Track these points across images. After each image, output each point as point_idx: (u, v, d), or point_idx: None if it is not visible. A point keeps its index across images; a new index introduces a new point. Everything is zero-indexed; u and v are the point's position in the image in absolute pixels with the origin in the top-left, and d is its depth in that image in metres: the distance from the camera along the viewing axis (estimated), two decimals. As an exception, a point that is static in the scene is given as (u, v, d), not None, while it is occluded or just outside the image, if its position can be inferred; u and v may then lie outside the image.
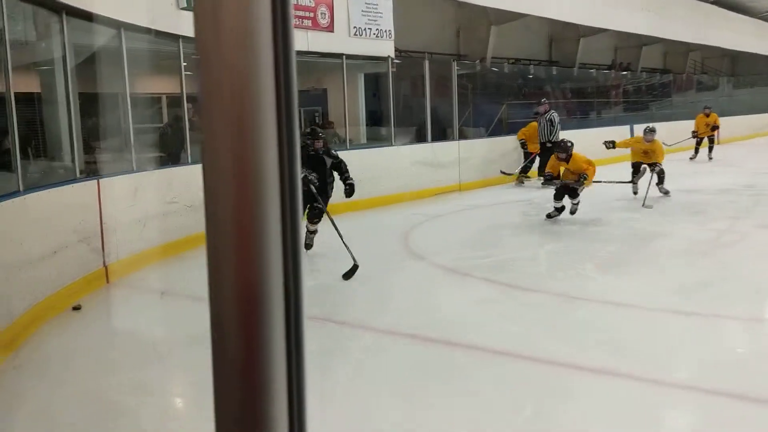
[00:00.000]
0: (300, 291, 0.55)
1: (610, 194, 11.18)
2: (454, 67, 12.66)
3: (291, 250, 0.54)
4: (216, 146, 0.54)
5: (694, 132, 16.80)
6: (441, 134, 12.44)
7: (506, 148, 13.44)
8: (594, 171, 8.86)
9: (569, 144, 8.97)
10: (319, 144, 7.21)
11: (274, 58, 0.54)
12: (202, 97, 0.56)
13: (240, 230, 0.53)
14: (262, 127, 0.53)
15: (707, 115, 16.95)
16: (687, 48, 24.94)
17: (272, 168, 0.52)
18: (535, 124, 12.97)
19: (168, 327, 5.15)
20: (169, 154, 8.91)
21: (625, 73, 21.05)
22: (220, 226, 0.54)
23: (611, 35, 20.50)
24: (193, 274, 6.08)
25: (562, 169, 9.23)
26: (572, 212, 9.09)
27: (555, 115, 12.56)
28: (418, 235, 8.64)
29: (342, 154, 10.45)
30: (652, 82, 21.49)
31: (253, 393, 0.54)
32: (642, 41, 22.20)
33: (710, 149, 16.98)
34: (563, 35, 19.67)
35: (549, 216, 8.98)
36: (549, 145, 11.98)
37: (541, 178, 11.57)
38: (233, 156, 0.53)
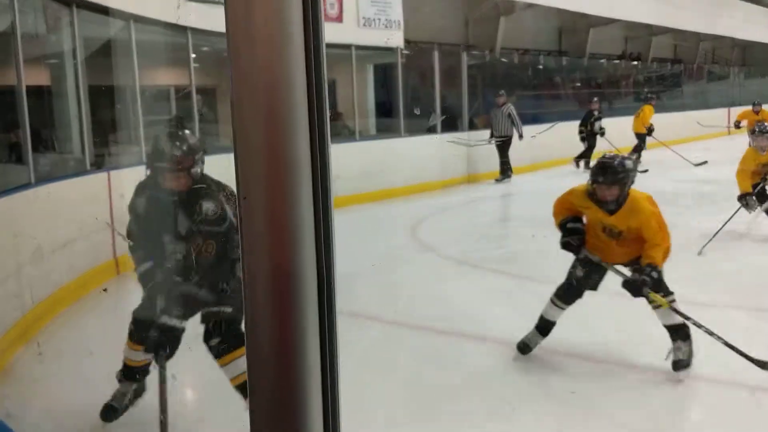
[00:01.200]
0: (332, 278, 0.54)
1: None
2: (464, 57, 12.61)
3: (324, 237, 0.53)
4: (248, 137, 0.53)
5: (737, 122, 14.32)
6: (451, 124, 12.41)
7: (515, 139, 13.38)
8: (667, 250, 4.25)
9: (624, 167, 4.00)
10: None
11: (305, 51, 0.53)
12: (234, 89, 0.55)
13: (273, 218, 0.52)
14: (295, 117, 0.52)
15: (757, 113, 13.60)
16: (697, 38, 24.75)
17: (305, 157, 0.51)
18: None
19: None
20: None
21: (635, 63, 20.93)
22: (254, 216, 0.53)
23: (621, 25, 20.36)
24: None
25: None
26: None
27: (513, 109, 12.08)
28: (427, 227, 8.62)
29: (351, 146, 10.53)
30: (662, 73, 21.36)
31: (287, 383, 0.53)
32: (652, 31, 22.04)
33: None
34: (573, 25, 19.55)
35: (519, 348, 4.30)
36: (509, 140, 11.92)
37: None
38: (266, 147, 0.52)
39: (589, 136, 13.49)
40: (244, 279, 0.55)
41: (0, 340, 4.24)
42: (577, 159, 13.56)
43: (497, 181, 12.01)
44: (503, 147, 11.98)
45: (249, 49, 0.54)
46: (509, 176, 12.03)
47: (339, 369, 0.56)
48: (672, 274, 5.89)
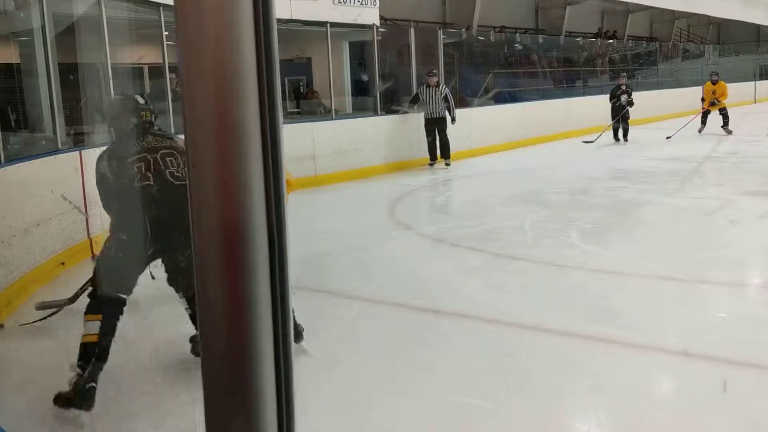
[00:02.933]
0: (283, 232, 0.54)
1: (597, 164, 11.24)
2: (440, 35, 12.57)
3: (274, 193, 0.53)
4: (197, 100, 0.52)
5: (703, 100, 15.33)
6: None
7: (493, 118, 13.40)
8: None
9: None
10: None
11: (254, 26, 0.53)
12: (182, 58, 0.54)
13: (222, 184, 0.52)
14: (243, 81, 0.51)
15: (714, 83, 15.21)
16: (673, 16, 24.89)
17: (254, 121, 0.51)
18: None
19: (151, 291, 5.10)
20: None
21: (611, 41, 21.00)
22: (202, 182, 0.53)
23: (598, 2, 20.41)
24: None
25: None
26: None
27: (448, 91, 11.35)
28: (405, 206, 8.64)
29: (328, 125, 10.49)
30: (638, 51, 21.46)
31: (239, 338, 0.54)
32: (629, 8, 22.13)
33: (725, 122, 15.14)
34: (550, 2, 19.57)
35: None
36: (446, 122, 11.17)
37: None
38: (214, 114, 0.52)
39: (619, 108, 14.22)
40: (194, 244, 0.54)
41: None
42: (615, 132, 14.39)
43: (430, 165, 11.40)
44: (443, 131, 11.23)
45: (197, 19, 0.54)
46: (436, 160, 11.38)
47: (291, 327, 0.56)
48: (645, 249, 6.00)
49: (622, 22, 22.91)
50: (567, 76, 17.73)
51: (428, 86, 11.16)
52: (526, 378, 3.63)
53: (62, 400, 3.24)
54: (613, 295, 4.89)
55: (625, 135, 14.29)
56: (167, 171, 3.46)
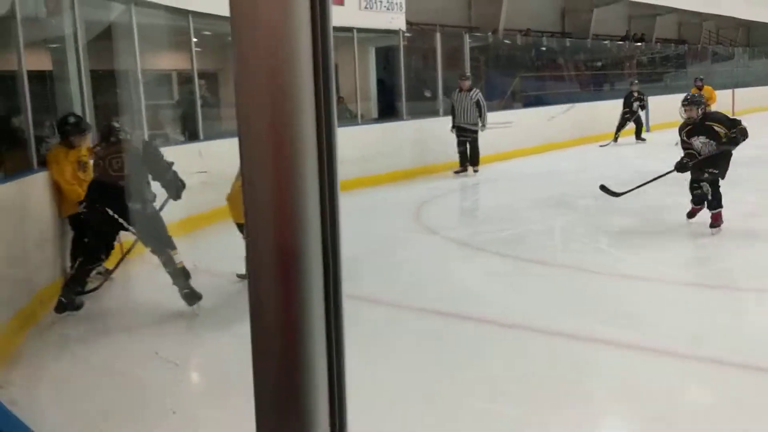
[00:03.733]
0: (338, 260, 0.55)
1: (627, 168, 11.12)
2: (466, 39, 12.54)
3: (330, 219, 0.53)
4: (251, 111, 0.53)
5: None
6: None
7: (520, 122, 13.33)
8: None
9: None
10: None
11: (311, 34, 0.53)
12: (237, 74, 0.55)
13: (278, 202, 0.52)
14: (300, 100, 0.52)
15: (699, 89, 14.30)
16: (701, 18, 24.57)
17: (310, 140, 0.51)
18: None
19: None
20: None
21: (639, 44, 20.79)
22: (257, 200, 0.54)
23: (625, 5, 20.22)
24: (214, 249, 6.11)
25: None
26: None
27: (481, 96, 10.94)
28: (431, 210, 8.62)
29: (353, 130, 10.49)
30: (666, 54, 21.22)
31: (292, 360, 0.54)
32: (656, 11, 21.87)
33: None
34: (576, 5, 19.42)
35: None
36: (478, 129, 10.82)
37: None
38: (270, 120, 0.52)
39: (631, 114, 14.33)
40: (249, 261, 0.55)
41: (8, 323, 4.26)
42: (637, 136, 14.56)
43: (456, 173, 11.06)
44: (474, 138, 10.94)
45: (251, 33, 0.54)
46: (466, 169, 11.05)
47: (344, 350, 0.57)
48: (673, 255, 5.93)
49: (649, 25, 22.66)
50: (594, 79, 17.60)
51: (460, 90, 10.83)
52: (553, 385, 3.61)
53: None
54: (641, 301, 4.85)
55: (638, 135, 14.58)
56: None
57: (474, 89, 10.93)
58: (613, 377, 3.66)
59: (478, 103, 10.77)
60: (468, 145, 10.94)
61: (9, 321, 4.30)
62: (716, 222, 6.42)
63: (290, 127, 0.53)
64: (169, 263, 4.80)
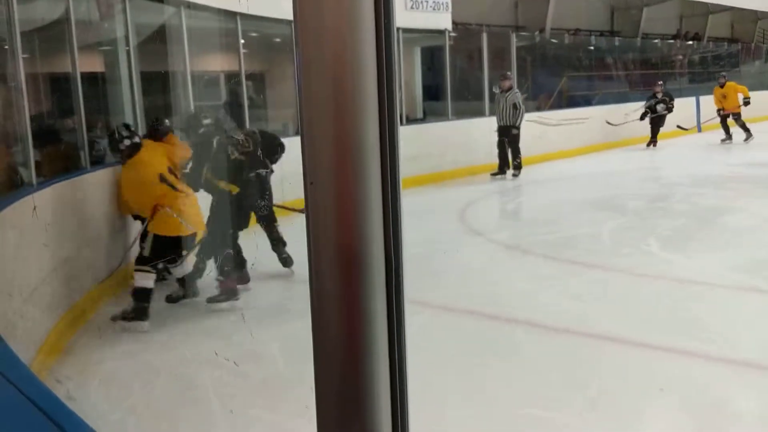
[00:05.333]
0: (400, 263, 0.53)
1: (676, 169, 10.90)
2: (513, 39, 12.43)
3: (392, 221, 0.51)
4: (315, 115, 0.51)
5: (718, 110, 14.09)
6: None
7: (569, 121, 13.16)
8: None
9: None
10: None
11: (375, 35, 0.52)
12: (302, 76, 0.54)
13: (340, 204, 0.51)
14: (363, 102, 0.50)
15: (722, 86, 14.02)
16: (755, 16, 23.93)
17: (373, 142, 0.50)
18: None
19: (242, 300, 5.20)
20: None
21: (690, 43, 20.34)
22: (320, 201, 0.52)
23: (676, 3, 19.83)
24: (260, 248, 6.15)
25: None
26: None
27: (519, 96, 10.66)
28: (476, 212, 8.56)
29: (399, 130, 10.45)
30: (719, 53, 20.71)
31: (354, 360, 0.53)
32: (708, 9, 21.38)
33: (743, 128, 13.88)
34: (626, 4, 19.11)
35: None
36: (515, 131, 10.54)
37: None
38: (334, 124, 0.51)
39: (657, 119, 13.70)
40: (311, 263, 0.54)
41: (58, 321, 4.36)
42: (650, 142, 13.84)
43: (493, 175, 10.86)
44: (512, 140, 10.66)
45: (316, 36, 0.53)
46: (504, 172, 10.83)
47: (406, 354, 0.55)
48: (728, 258, 5.76)
49: (701, 24, 22.16)
50: (644, 79, 17.26)
51: (501, 90, 10.63)
52: (603, 391, 3.53)
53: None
54: (695, 306, 4.72)
55: (654, 143, 13.89)
56: None
57: (512, 89, 10.67)
58: (669, 385, 3.56)
59: (515, 105, 10.52)
60: (508, 147, 10.71)
61: (61, 317, 4.40)
62: None
63: (354, 131, 0.52)
64: (275, 231, 5.70)
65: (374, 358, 0.54)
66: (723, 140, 13.98)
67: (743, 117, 13.88)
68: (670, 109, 13.64)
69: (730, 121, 13.94)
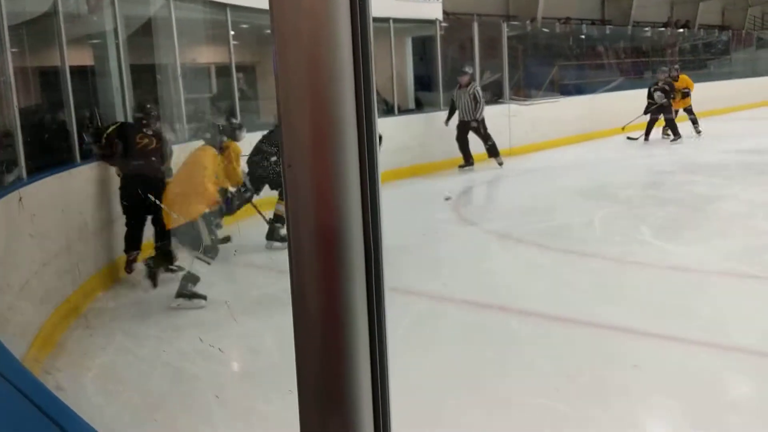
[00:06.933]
0: (379, 233, 0.53)
1: (668, 157, 10.93)
2: (504, 28, 12.41)
3: (370, 194, 0.51)
4: (293, 97, 0.51)
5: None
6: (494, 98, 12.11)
7: (559, 111, 13.16)
8: None
9: None
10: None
11: (350, 21, 0.52)
12: (278, 61, 0.54)
13: (318, 186, 0.51)
14: (339, 75, 0.50)
15: (675, 79, 13.17)
16: (746, 3, 23.98)
17: (350, 115, 0.50)
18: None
19: (228, 293, 5.20)
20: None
21: (681, 30, 20.36)
22: (299, 177, 0.52)
23: (667, -9, 19.85)
24: (252, 242, 6.15)
25: None
26: None
27: (479, 90, 10.49)
28: (470, 201, 8.57)
29: (390, 120, 10.47)
30: (709, 40, 20.75)
31: (334, 340, 0.53)
32: (699, -3, 21.45)
33: (693, 122, 13.19)
34: (617, -8, 19.12)
35: None
36: (474, 124, 10.36)
37: None
38: (310, 104, 0.50)
39: (657, 107, 13.02)
40: (290, 242, 0.54)
41: (51, 315, 4.35)
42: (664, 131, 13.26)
43: (461, 168, 10.63)
44: (476, 131, 10.48)
45: (292, 18, 0.53)
46: (471, 164, 10.61)
47: (386, 329, 0.55)
48: (721, 246, 5.79)
49: (692, 11, 22.19)
50: (635, 67, 17.28)
51: (460, 86, 10.46)
52: (599, 379, 3.55)
53: None
54: (689, 293, 4.74)
55: (666, 129, 13.22)
56: None
57: (472, 84, 10.54)
58: (664, 372, 3.58)
59: (475, 97, 10.36)
60: (481, 139, 10.53)
61: (53, 311, 4.39)
62: None
63: (331, 112, 0.52)
64: (281, 210, 6.17)
65: (355, 338, 0.54)
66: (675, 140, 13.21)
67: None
68: (668, 99, 12.92)
69: (682, 115, 13.52)
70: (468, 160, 10.57)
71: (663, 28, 20.08)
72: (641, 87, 15.38)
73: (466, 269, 5.60)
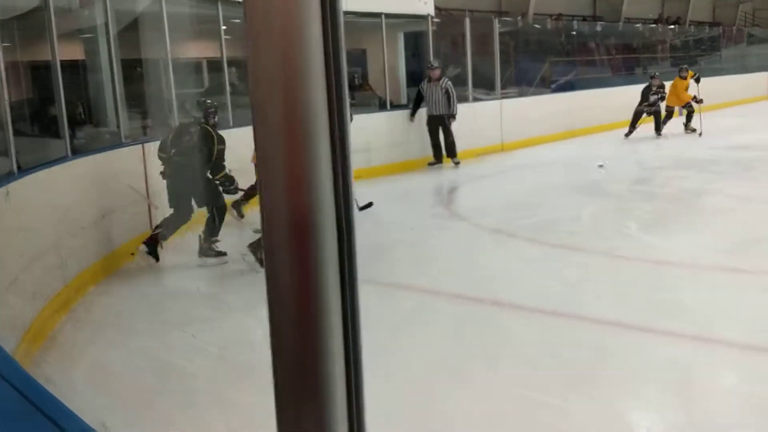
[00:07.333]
0: (351, 221, 0.55)
1: (657, 153, 10.98)
2: (496, 24, 12.42)
3: (342, 183, 0.53)
4: (265, 86, 0.53)
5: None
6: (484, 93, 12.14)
7: (548, 107, 13.20)
8: None
9: None
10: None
11: (321, 13, 0.53)
12: (250, 48, 0.55)
13: (290, 173, 0.52)
14: (310, 64, 0.52)
15: (683, 78, 13.42)
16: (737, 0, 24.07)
17: (321, 111, 0.51)
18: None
19: (218, 288, 5.22)
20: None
21: (672, 27, 20.42)
22: (270, 162, 0.54)
23: (658, -13, 19.89)
24: (242, 237, 6.16)
25: None
26: None
27: (451, 84, 10.34)
28: (461, 196, 8.59)
29: (383, 116, 10.48)
30: (700, 36, 20.82)
31: (308, 326, 0.55)
32: (690, -7, 21.51)
33: (689, 117, 13.38)
34: (608, -12, 19.15)
35: None
36: (451, 119, 10.20)
37: None
38: (283, 98, 0.52)
39: (650, 106, 13.14)
40: (263, 225, 0.56)
41: (42, 309, 4.35)
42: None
43: (431, 164, 10.47)
44: (446, 128, 10.31)
45: (265, 10, 0.54)
46: (441, 161, 10.45)
47: (359, 314, 0.57)
48: (708, 240, 5.83)
49: (683, 8, 22.27)
50: (626, 63, 17.33)
51: (430, 80, 10.28)
52: (588, 371, 3.58)
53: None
54: (676, 287, 4.79)
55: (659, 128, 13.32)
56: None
57: (444, 78, 10.40)
58: (652, 365, 3.61)
59: (447, 92, 10.24)
60: (442, 136, 10.40)
61: (43, 306, 4.39)
62: None
63: (302, 97, 0.53)
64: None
65: (328, 326, 0.56)
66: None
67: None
68: (663, 98, 13.15)
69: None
70: (439, 157, 10.46)
71: (654, 25, 20.14)
72: (633, 84, 15.38)
73: (457, 264, 5.63)
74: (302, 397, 0.57)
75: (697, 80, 13.17)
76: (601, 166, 9.56)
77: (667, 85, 13.28)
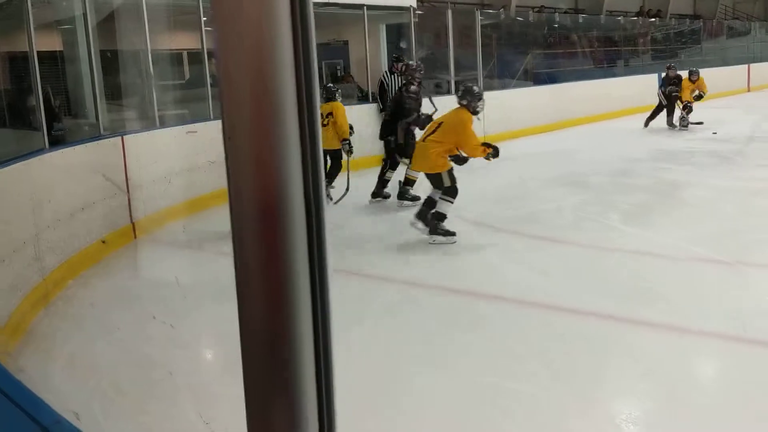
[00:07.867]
0: (321, 203, 0.54)
1: (638, 145, 11.04)
2: (478, 16, 12.42)
3: (311, 165, 0.53)
4: (232, 74, 0.52)
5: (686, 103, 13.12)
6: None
7: (532, 99, 13.24)
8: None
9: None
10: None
11: (290, 7, 0.52)
12: (218, 35, 0.54)
13: (259, 156, 0.52)
14: (280, 50, 0.51)
15: (693, 81, 13.23)
16: (718, -8, 24.26)
17: (290, 83, 0.50)
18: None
19: (197, 280, 5.19)
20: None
21: (653, 20, 20.53)
22: (238, 146, 0.53)
23: (640, -20, 19.98)
24: (220, 229, 6.13)
25: None
26: None
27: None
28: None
29: (365, 108, 10.44)
30: (681, 29, 20.95)
31: (277, 309, 0.54)
32: (671, -14, 21.63)
33: (685, 110, 13.12)
34: (590, -19, 19.21)
35: None
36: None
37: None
38: (251, 82, 0.51)
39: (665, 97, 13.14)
40: (232, 206, 0.55)
41: (20, 303, 4.31)
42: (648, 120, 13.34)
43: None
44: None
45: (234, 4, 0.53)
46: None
47: (329, 297, 0.56)
48: (688, 231, 5.88)
49: (664, 1, 22.39)
50: (608, 56, 17.40)
51: (392, 73, 9.91)
52: (567, 361, 3.60)
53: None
54: (656, 278, 4.82)
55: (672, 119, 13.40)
56: None
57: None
58: (631, 355, 3.64)
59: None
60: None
61: (21, 301, 4.34)
62: None
63: (271, 81, 0.52)
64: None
65: (297, 309, 0.55)
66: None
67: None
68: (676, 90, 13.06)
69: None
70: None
71: (635, 18, 20.24)
72: (614, 76, 15.48)
73: (440, 256, 5.63)
74: (270, 385, 0.57)
75: (699, 98, 13.22)
76: (714, 133, 11.94)
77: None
